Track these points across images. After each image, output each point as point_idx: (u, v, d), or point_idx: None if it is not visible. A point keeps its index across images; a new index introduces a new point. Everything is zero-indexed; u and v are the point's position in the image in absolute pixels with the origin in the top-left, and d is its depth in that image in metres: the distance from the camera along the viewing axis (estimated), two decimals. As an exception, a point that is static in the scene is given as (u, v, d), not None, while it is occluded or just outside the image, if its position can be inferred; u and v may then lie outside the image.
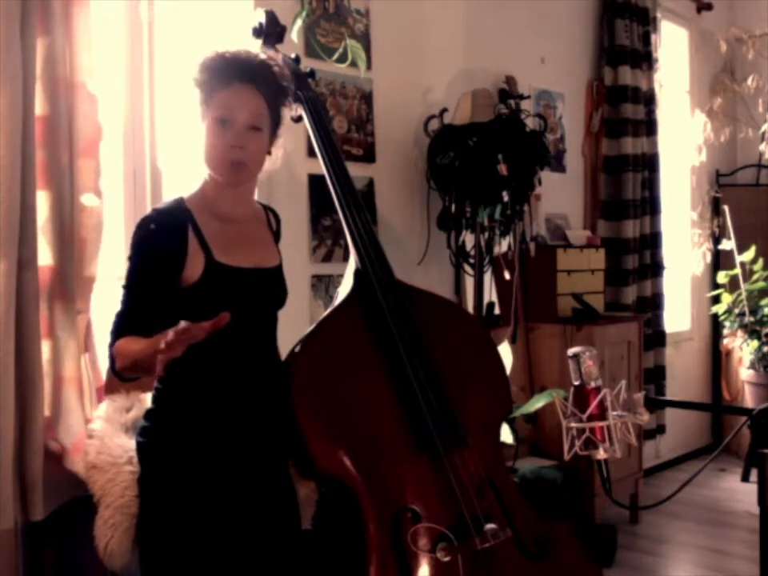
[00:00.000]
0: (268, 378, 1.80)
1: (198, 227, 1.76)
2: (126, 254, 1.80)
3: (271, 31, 2.20)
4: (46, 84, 2.13)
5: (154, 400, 1.82)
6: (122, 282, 1.78)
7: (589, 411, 1.80)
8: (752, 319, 4.87)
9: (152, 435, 1.78)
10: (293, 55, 2.25)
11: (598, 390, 1.82)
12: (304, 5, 2.94)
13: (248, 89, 1.75)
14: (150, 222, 1.75)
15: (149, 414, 1.83)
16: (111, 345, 1.72)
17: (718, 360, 5.43)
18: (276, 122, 1.85)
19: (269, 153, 1.86)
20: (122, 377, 1.73)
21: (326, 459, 1.71)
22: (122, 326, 1.72)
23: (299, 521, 1.86)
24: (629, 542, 3.68)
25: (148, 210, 2.44)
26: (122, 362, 1.69)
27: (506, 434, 2.78)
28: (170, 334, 1.45)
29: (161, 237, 1.72)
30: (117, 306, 1.76)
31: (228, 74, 1.75)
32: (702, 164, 5.33)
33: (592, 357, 1.84)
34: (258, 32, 2.20)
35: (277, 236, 2.00)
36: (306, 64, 2.33)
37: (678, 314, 5.24)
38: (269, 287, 1.87)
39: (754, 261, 4.87)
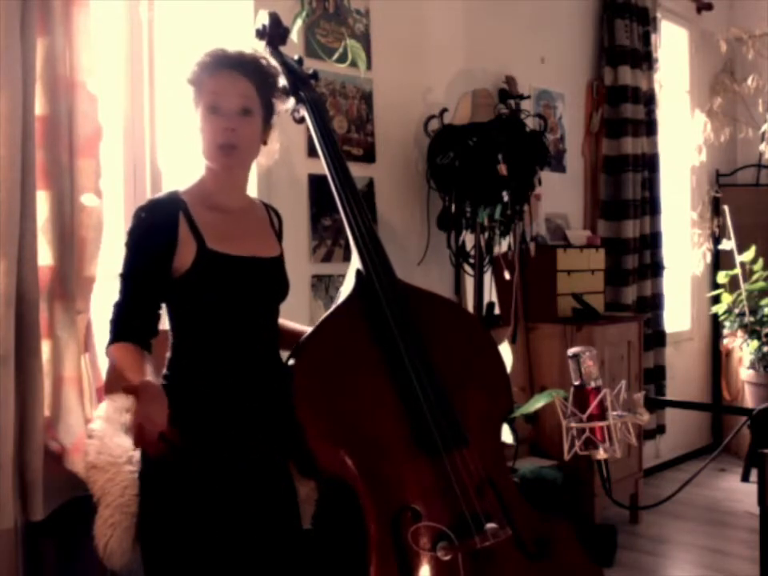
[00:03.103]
0: (269, 375, 1.80)
1: (190, 216, 1.78)
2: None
3: (274, 33, 2.20)
4: (45, 84, 2.13)
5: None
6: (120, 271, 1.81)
7: (589, 411, 1.80)
8: (752, 319, 4.87)
9: (152, 434, 1.79)
10: (295, 56, 2.24)
11: (598, 389, 1.82)
12: (304, 5, 2.94)
13: (234, 73, 1.80)
14: (142, 210, 1.80)
15: (149, 414, 1.83)
16: (111, 339, 1.76)
17: (718, 360, 5.42)
18: (269, 111, 1.88)
19: (264, 143, 1.90)
20: None
21: (327, 458, 1.71)
22: (121, 316, 1.77)
23: (299, 520, 1.85)
24: (629, 542, 3.67)
25: (148, 210, 2.44)
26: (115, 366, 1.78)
27: (506, 434, 2.78)
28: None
29: (151, 224, 1.76)
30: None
31: (216, 63, 1.81)
32: (701, 164, 5.33)
33: (592, 357, 1.84)
34: (261, 33, 2.20)
35: (279, 235, 2.01)
36: (306, 64, 2.32)
37: (678, 314, 5.24)
38: (266, 276, 1.87)
39: (754, 261, 4.87)
